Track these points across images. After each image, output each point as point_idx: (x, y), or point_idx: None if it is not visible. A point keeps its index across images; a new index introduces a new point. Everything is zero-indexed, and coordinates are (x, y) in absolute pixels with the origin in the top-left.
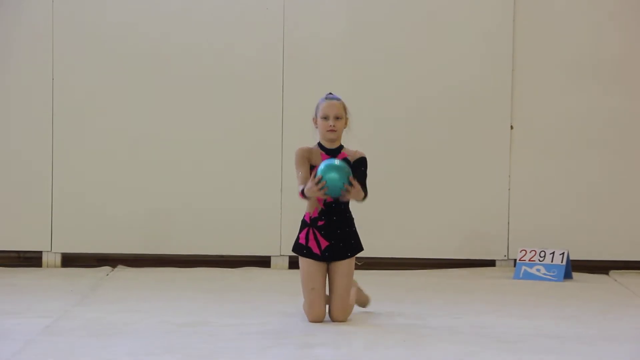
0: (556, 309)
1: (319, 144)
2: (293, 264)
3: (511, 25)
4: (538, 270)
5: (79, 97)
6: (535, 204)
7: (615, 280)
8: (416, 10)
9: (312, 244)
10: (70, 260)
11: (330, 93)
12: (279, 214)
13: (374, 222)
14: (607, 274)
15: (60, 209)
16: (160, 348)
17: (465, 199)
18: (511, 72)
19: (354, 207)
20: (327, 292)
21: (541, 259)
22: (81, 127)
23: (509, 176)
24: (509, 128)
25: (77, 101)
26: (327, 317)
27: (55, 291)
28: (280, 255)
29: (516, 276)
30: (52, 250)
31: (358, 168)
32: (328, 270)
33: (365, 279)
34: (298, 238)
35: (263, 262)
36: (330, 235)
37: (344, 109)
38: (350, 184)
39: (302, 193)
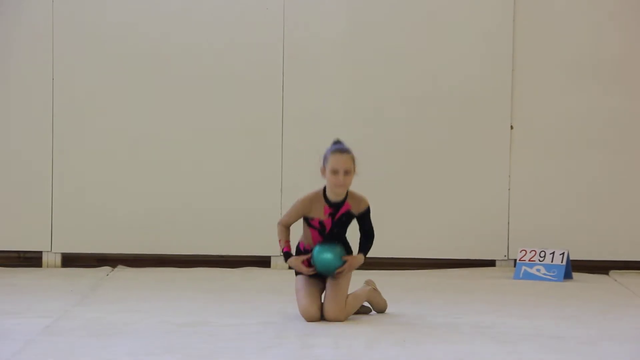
0: (556, 309)
1: (324, 195)
2: None
3: (511, 25)
4: (538, 270)
5: (79, 97)
6: (535, 204)
7: (615, 280)
8: (416, 10)
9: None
10: (70, 260)
11: (339, 141)
12: (279, 214)
13: (374, 222)
14: (607, 274)
15: (60, 209)
16: (160, 348)
17: (465, 199)
18: (511, 72)
19: None
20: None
21: (541, 259)
22: (81, 127)
23: (509, 176)
24: (509, 128)
25: (77, 101)
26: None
27: (55, 291)
28: (281, 255)
29: (516, 276)
30: (52, 250)
31: (365, 218)
32: None
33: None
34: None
35: (263, 262)
36: None
37: (353, 161)
38: (343, 263)
39: (285, 254)
